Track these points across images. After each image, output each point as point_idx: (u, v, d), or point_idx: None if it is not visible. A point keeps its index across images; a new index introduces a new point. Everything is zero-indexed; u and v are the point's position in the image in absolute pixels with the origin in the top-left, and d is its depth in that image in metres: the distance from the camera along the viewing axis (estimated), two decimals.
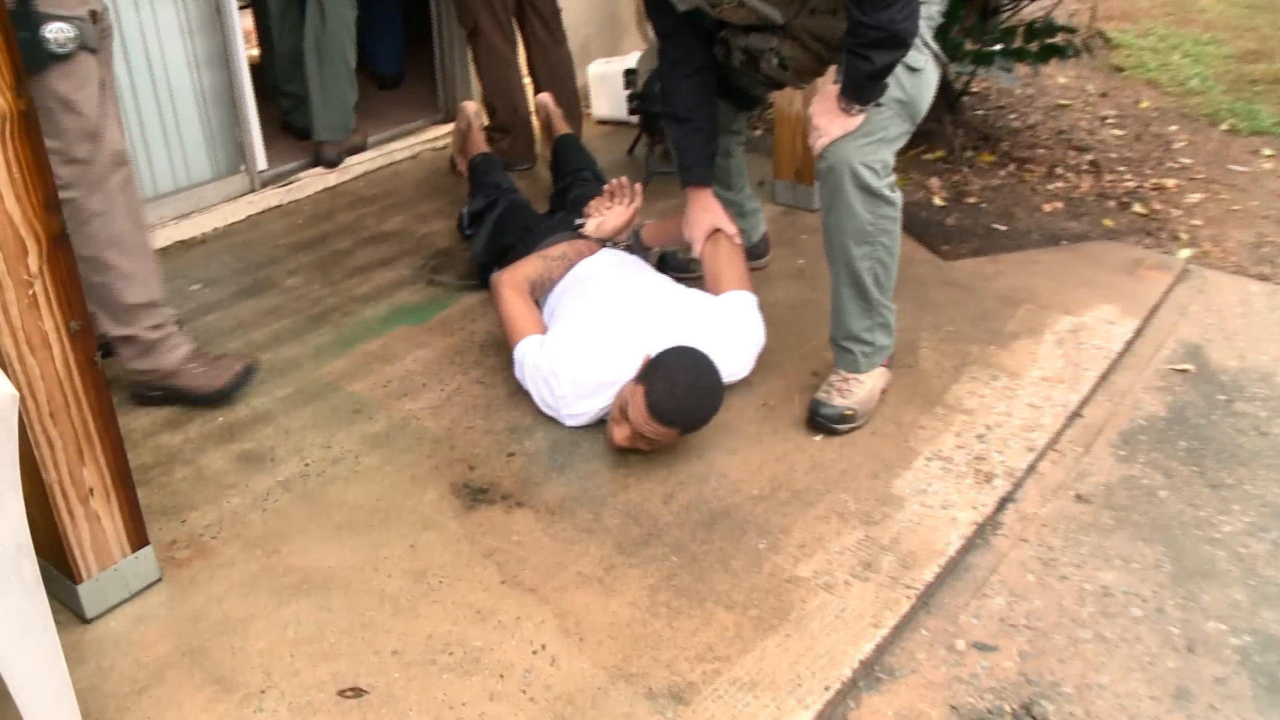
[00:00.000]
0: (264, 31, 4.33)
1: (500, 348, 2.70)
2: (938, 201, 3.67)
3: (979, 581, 2.06)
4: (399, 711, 1.74)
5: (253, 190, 3.71)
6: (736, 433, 2.45)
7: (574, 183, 3.40)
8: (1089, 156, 4.07)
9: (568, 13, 4.00)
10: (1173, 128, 4.44)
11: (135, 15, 3.30)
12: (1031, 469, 2.35)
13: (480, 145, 3.64)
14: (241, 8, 3.77)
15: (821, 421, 2.42)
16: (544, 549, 2.10)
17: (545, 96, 3.87)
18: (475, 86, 4.13)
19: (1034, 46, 3.82)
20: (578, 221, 2.88)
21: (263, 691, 1.78)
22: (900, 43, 2.12)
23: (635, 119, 4.13)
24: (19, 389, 1.68)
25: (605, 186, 2.93)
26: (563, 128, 3.75)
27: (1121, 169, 3.97)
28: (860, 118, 2.23)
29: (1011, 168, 3.96)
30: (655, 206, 3.58)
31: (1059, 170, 3.94)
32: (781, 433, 2.45)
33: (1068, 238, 3.40)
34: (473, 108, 3.79)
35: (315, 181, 3.89)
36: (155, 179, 3.48)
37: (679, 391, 2.22)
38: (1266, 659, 1.87)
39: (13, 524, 1.49)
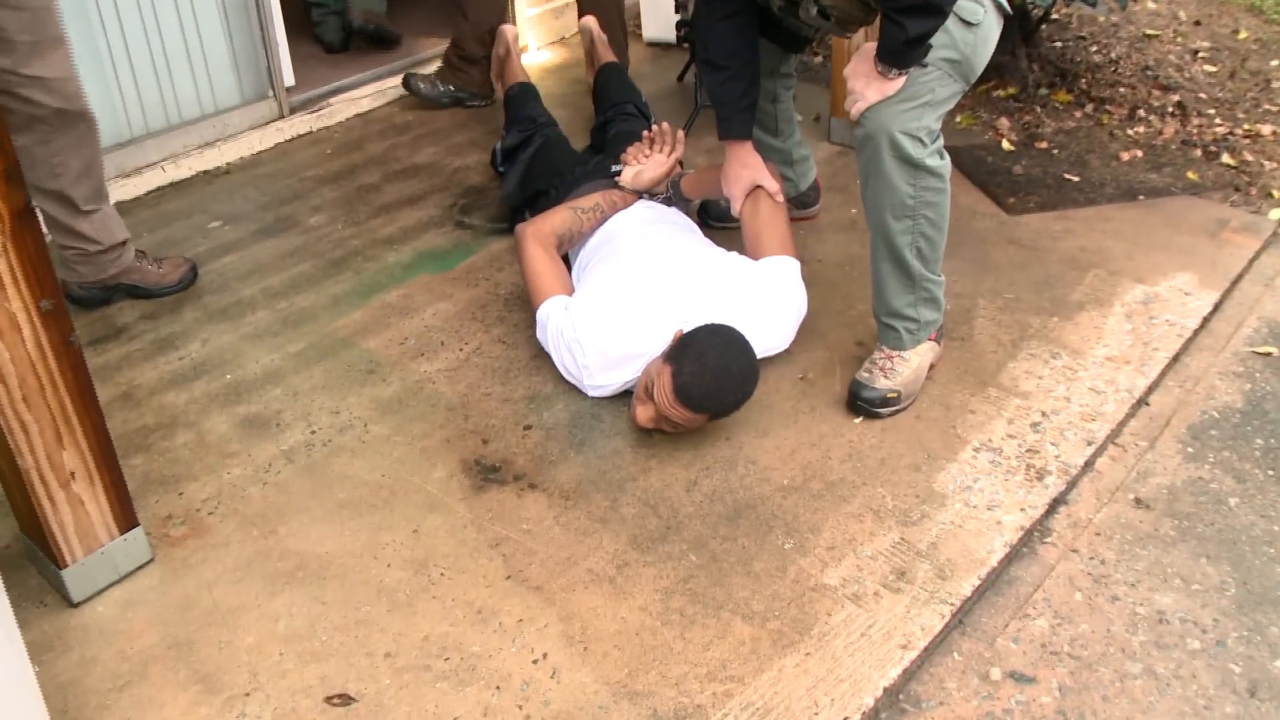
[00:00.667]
0: None
1: (525, 303, 2.55)
2: (1006, 146, 3.40)
3: (1021, 599, 1.89)
4: None
5: (281, 117, 3.54)
6: (770, 410, 2.29)
7: (614, 117, 3.20)
8: (1175, 97, 3.73)
9: None
10: (1274, 63, 4.05)
11: None
12: (1089, 465, 2.16)
13: (518, 75, 3.44)
14: None
15: (863, 406, 2.24)
16: (554, 540, 1.97)
17: (589, 20, 3.63)
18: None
19: None
20: (614, 168, 2.69)
21: (247, 694, 1.69)
22: (937, 10, 1.87)
23: (685, 45, 3.88)
24: None
25: (645, 133, 2.72)
26: (607, 55, 3.53)
27: (1211, 112, 3.64)
28: (900, 81, 1.99)
29: (1089, 108, 3.64)
30: (703, 142, 3.36)
31: (1141, 113, 3.61)
32: (819, 412, 2.28)
33: (1145, 192, 3.13)
34: (512, 32, 3.57)
35: (346, 107, 3.72)
36: (180, 105, 3.32)
37: (709, 376, 2.04)
38: None
39: None
